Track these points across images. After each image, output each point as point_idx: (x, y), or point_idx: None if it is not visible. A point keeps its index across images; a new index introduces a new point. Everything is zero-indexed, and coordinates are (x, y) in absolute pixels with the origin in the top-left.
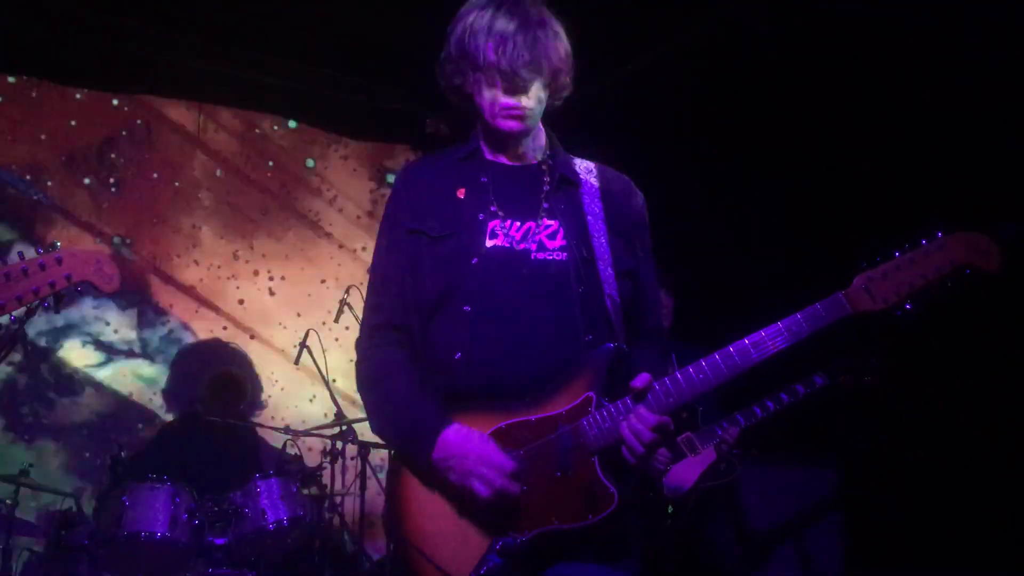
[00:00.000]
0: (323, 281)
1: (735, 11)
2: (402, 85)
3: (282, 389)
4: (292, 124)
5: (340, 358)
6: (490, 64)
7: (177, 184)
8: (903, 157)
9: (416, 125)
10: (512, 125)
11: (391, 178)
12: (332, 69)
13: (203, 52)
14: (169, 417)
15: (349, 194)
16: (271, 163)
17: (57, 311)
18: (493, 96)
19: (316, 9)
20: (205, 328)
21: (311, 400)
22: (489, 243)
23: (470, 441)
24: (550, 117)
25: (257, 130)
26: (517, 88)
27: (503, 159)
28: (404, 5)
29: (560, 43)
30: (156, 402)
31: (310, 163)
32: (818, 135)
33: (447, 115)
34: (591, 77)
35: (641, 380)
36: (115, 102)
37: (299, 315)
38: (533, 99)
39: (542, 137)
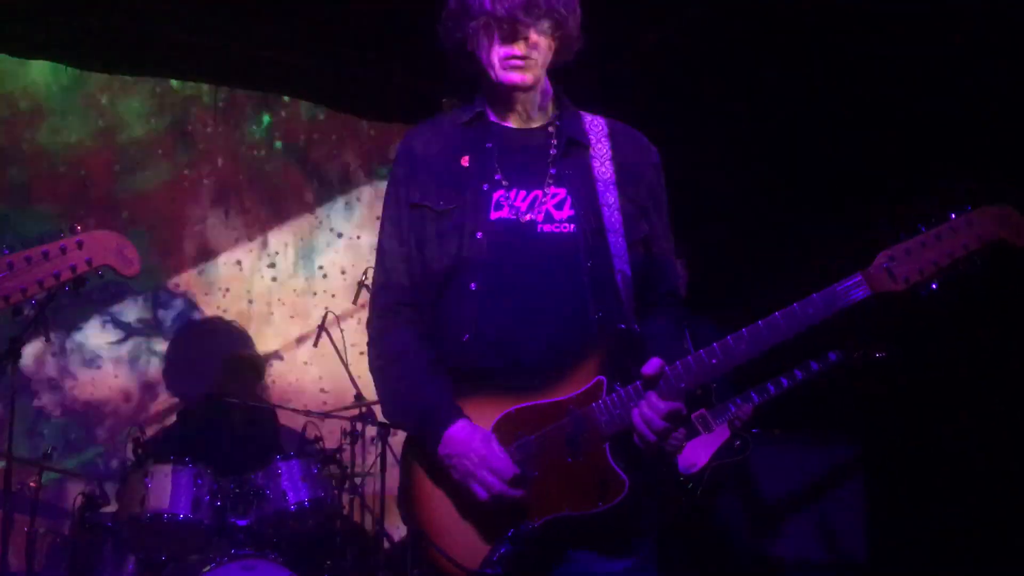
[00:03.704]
0: (320, 267)
1: None
2: (417, 64)
3: (282, 359)
4: (266, 120)
5: (359, 339)
6: (486, 12)
7: (187, 172)
8: (932, 128)
9: (432, 105)
10: (514, 77)
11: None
12: (345, 48)
13: (216, 31)
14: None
15: (350, 180)
16: (262, 153)
17: (77, 293)
18: (492, 47)
19: None
20: (212, 307)
21: (306, 364)
22: (494, 215)
23: (474, 440)
24: (564, 81)
25: (257, 115)
26: (515, 35)
27: (508, 122)
28: None
29: None
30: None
31: (273, 142)
32: (844, 106)
33: (463, 94)
34: (612, 47)
35: (652, 366)
36: (137, 103)
37: (300, 297)
38: (534, 47)
39: (549, 95)
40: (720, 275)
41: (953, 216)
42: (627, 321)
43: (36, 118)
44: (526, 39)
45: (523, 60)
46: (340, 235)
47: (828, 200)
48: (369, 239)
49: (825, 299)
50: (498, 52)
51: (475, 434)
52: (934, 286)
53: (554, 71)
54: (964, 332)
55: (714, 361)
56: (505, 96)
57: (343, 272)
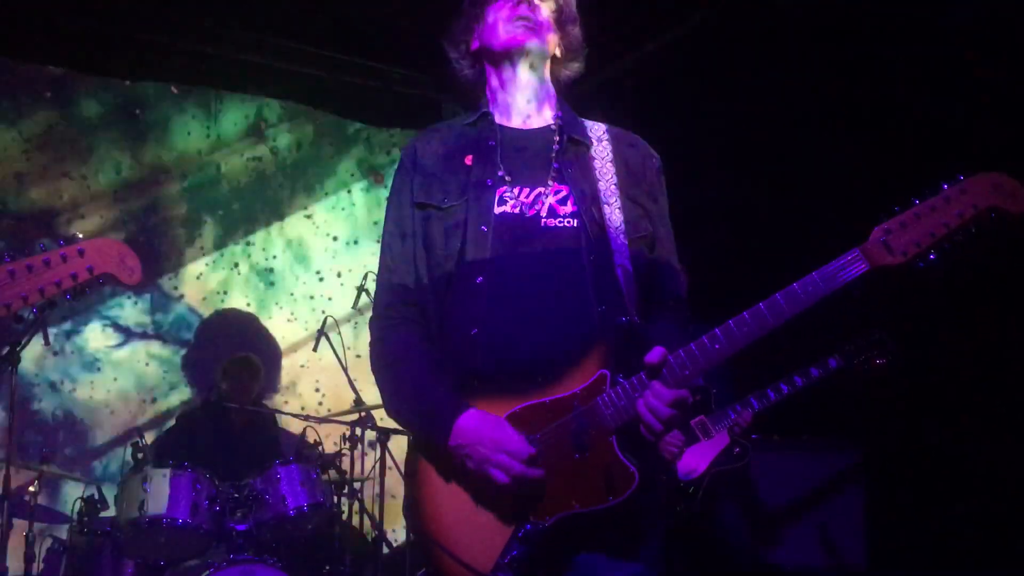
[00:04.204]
0: (317, 272)
1: None
2: (419, 70)
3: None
4: (264, 124)
5: (358, 344)
6: None
7: (185, 175)
8: (932, 129)
9: (431, 110)
10: (519, 34)
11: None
12: (347, 54)
13: (214, 36)
14: (187, 390)
15: (347, 185)
16: (259, 157)
17: (76, 300)
18: (499, 12)
19: None
20: (210, 311)
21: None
22: (498, 210)
23: (485, 426)
24: (568, 93)
25: (255, 119)
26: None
27: (512, 123)
28: None
29: None
30: (168, 379)
31: (271, 145)
32: (845, 108)
33: (463, 99)
34: (611, 55)
35: (655, 354)
36: (137, 111)
37: (296, 300)
38: (541, 13)
39: (552, 97)
40: (721, 279)
41: (946, 186)
42: (628, 315)
43: (35, 119)
44: (529, 2)
45: (529, 20)
46: (335, 238)
47: (830, 205)
48: (365, 243)
49: (824, 276)
50: (504, 12)
51: (485, 420)
52: (932, 257)
53: (557, 81)
54: (967, 338)
55: (717, 346)
56: (508, 61)
57: (338, 275)
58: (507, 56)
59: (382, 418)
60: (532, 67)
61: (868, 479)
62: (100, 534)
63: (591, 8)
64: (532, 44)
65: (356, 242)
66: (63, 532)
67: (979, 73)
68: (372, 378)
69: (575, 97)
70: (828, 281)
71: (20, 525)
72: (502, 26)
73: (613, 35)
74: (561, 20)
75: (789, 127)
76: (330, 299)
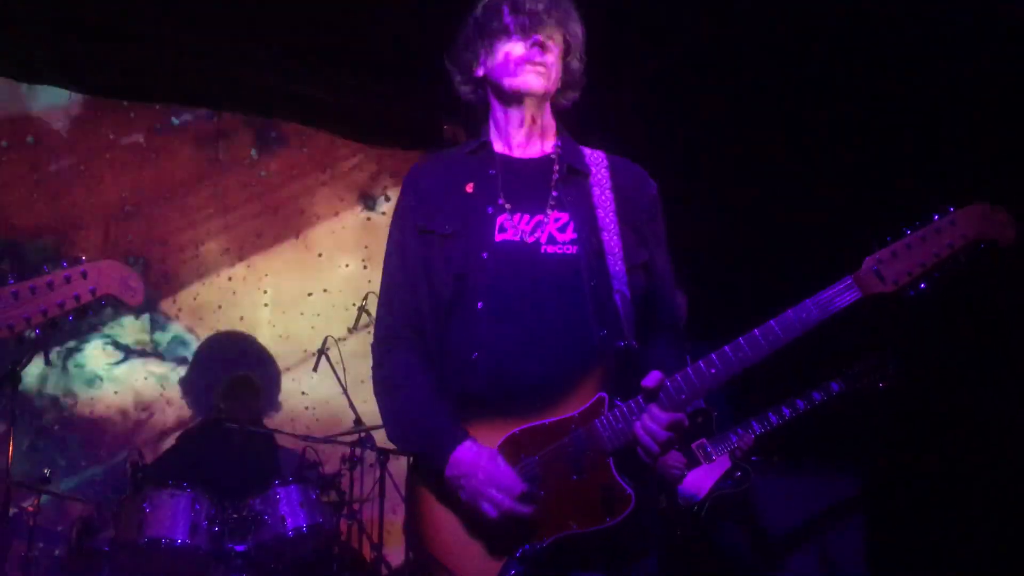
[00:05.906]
0: (310, 294)
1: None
2: (419, 91)
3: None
4: (260, 145)
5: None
6: (507, 23)
7: (183, 198)
8: (919, 142)
9: (426, 132)
10: (532, 80)
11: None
12: (347, 74)
13: (215, 58)
14: (185, 408)
15: (339, 212)
16: (254, 179)
17: (78, 320)
18: (511, 51)
19: (331, 12)
20: (206, 330)
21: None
22: (499, 237)
23: (481, 460)
24: (564, 115)
25: (251, 141)
26: (536, 41)
27: (512, 152)
28: (421, 8)
29: (576, 17)
30: (166, 396)
31: (263, 168)
32: (828, 128)
33: (465, 121)
34: (609, 76)
35: (652, 378)
36: (139, 138)
37: (290, 320)
38: (552, 56)
39: (552, 127)
40: (718, 304)
41: (936, 217)
42: (626, 339)
43: (40, 146)
44: (542, 45)
45: (542, 67)
46: (320, 254)
47: (825, 231)
48: (356, 265)
49: (818, 303)
50: (518, 53)
51: (481, 453)
52: (923, 286)
53: (556, 109)
54: (967, 363)
55: (713, 371)
56: (514, 103)
57: (325, 291)
58: (515, 98)
59: (382, 439)
60: (536, 105)
61: (869, 501)
62: (99, 555)
63: (587, 23)
64: (539, 88)
65: (348, 266)
66: (62, 551)
67: (977, 98)
68: (369, 397)
69: (570, 120)
70: (822, 309)
71: (19, 545)
72: (514, 68)
73: (605, 58)
74: (567, 57)
75: (785, 158)
76: (318, 314)
